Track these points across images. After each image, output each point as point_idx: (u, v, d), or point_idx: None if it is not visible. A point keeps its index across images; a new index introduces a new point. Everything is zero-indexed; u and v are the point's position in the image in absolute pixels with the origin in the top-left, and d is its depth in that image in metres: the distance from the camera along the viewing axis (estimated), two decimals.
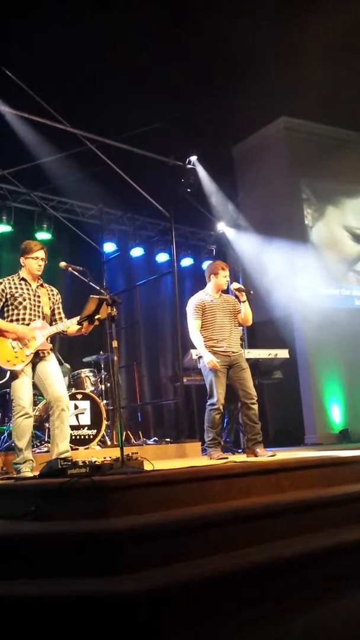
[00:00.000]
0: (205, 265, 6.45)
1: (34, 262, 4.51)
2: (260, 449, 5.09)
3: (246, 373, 5.30)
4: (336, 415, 9.74)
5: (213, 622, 2.47)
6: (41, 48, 6.86)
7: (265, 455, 4.97)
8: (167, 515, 2.99)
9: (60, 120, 7.13)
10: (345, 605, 2.74)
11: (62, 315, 4.68)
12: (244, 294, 5.40)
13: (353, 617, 2.61)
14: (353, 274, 10.78)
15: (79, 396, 6.33)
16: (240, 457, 5.33)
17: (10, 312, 4.44)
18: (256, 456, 5.01)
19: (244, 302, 5.41)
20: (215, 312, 5.38)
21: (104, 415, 6.38)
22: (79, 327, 4.49)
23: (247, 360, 6.21)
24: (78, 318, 4.43)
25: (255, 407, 5.20)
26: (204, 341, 5.33)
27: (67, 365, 6.80)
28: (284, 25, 7.30)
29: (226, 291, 5.64)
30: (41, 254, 4.54)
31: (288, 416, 9.79)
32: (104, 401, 6.85)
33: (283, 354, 7.49)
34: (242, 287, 5.46)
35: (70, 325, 4.51)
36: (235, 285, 5.47)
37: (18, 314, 4.43)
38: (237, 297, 5.48)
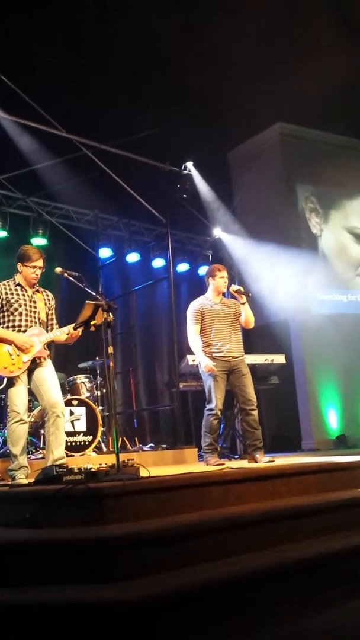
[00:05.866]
0: (203, 270, 6.41)
1: (32, 270, 4.49)
2: (259, 454, 5.06)
3: (246, 379, 5.25)
4: (333, 420, 9.73)
5: (210, 629, 2.46)
6: (37, 53, 6.87)
7: (262, 461, 4.94)
8: (163, 522, 2.98)
9: (56, 125, 7.13)
10: (341, 611, 2.73)
11: (54, 322, 4.65)
12: (242, 296, 5.35)
13: (348, 623, 2.59)
14: (348, 279, 10.79)
15: (75, 402, 6.30)
16: (236, 463, 5.31)
17: (6, 319, 4.41)
18: (256, 462, 4.99)
19: (243, 304, 5.36)
20: (215, 317, 5.34)
21: (100, 421, 6.35)
22: (67, 335, 4.47)
23: None
24: (73, 324, 4.40)
25: (255, 413, 5.16)
26: (203, 346, 5.30)
27: (61, 374, 6.76)
28: (280, 31, 7.34)
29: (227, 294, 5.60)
30: (40, 262, 4.50)
31: (284, 422, 9.78)
32: (100, 407, 6.82)
33: (279, 359, 7.49)
34: (241, 289, 5.43)
35: (67, 332, 4.49)
36: (233, 287, 5.42)
37: (14, 320, 4.40)
38: (236, 299, 5.44)
